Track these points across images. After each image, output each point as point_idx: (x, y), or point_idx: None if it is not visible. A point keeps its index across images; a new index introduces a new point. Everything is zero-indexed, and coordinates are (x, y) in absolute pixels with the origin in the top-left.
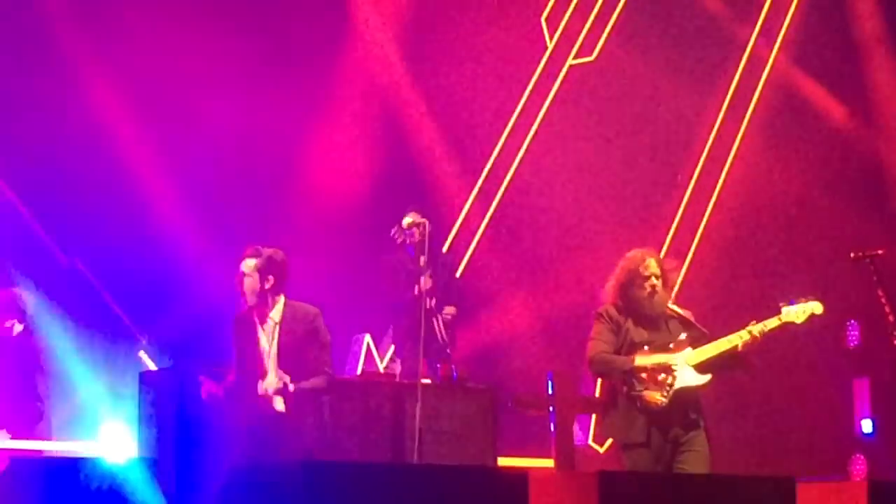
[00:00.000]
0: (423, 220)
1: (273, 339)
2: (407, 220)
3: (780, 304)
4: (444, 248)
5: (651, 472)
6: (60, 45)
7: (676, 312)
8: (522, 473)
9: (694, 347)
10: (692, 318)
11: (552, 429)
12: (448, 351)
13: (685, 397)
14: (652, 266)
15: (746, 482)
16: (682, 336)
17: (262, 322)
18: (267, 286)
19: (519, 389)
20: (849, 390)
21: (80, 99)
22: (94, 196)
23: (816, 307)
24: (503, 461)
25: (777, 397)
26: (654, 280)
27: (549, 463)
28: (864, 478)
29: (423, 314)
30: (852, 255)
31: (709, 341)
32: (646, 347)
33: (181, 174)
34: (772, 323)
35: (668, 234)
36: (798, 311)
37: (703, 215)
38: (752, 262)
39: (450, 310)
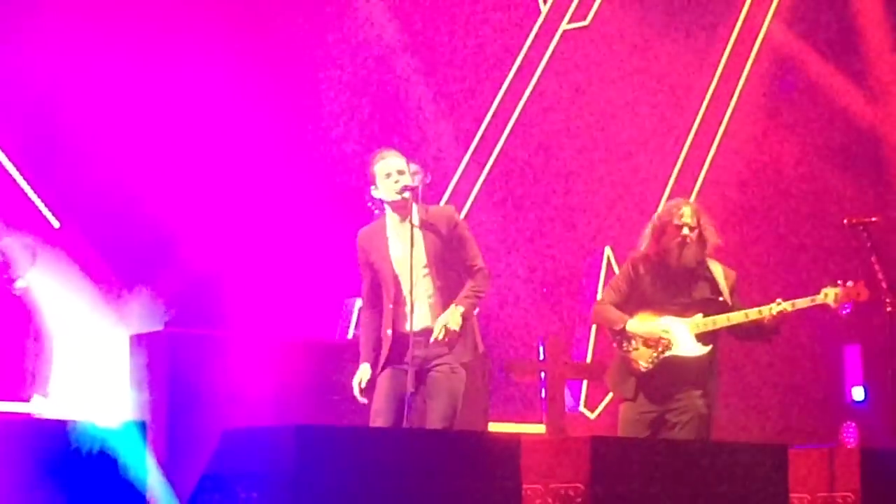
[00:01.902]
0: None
1: (415, 244)
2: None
3: (826, 286)
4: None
5: (643, 438)
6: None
7: (711, 274)
8: (514, 438)
9: (706, 315)
10: (732, 281)
11: (543, 394)
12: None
13: (679, 365)
14: (686, 216)
15: (739, 449)
16: (697, 298)
17: (399, 225)
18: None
19: (511, 355)
20: (840, 357)
21: (71, 54)
22: (86, 152)
23: (863, 293)
24: (494, 426)
25: (768, 364)
26: (686, 231)
27: (540, 428)
28: (856, 445)
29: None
30: (846, 221)
31: (726, 311)
32: (638, 317)
33: (177, 132)
34: (802, 303)
35: (661, 199)
36: (839, 294)
37: (697, 180)
38: (745, 228)
39: None
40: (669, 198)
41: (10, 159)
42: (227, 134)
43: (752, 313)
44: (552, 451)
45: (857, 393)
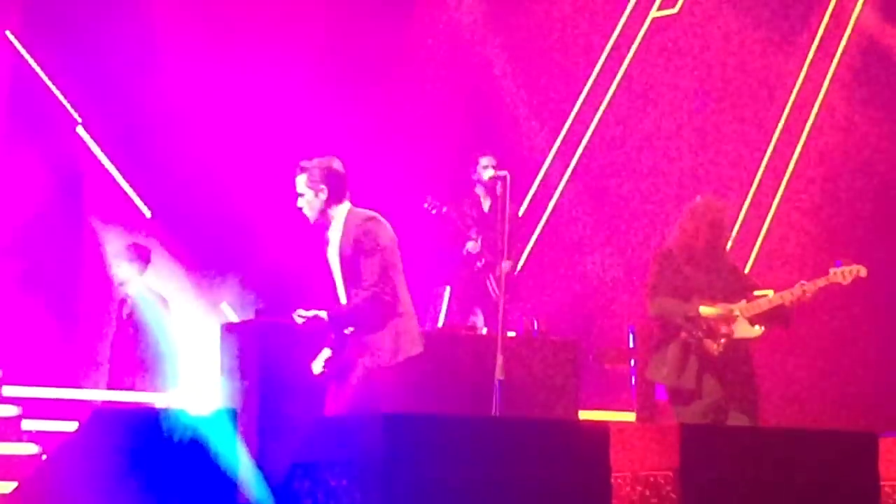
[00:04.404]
0: (504, 172)
1: (336, 260)
2: (488, 174)
3: (830, 267)
4: (525, 202)
5: (732, 426)
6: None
7: (732, 263)
8: (603, 427)
9: (748, 300)
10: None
11: (633, 382)
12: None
13: (739, 348)
14: (728, 218)
15: (828, 436)
16: (737, 287)
17: (327, 244)
18: (323, 197)
19: (602, 343)
20: None
21: (161, 46)
22: (175, 143)
23: (861, 270)
24: (585, 414)
25: (860, 351)
26: (728, 233)
27: (630, 417)
28: None
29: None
30: None
31: (756, 293)
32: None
33: (268, 124)
34: (821, 282)
35: (751, 187)
36: (845, 272)
37: (786, 169)
38: (836, 217)
39: (505, 266)
40: (760, 185)
41: (104, 153)
42: (320, 127)
43: (787, 294)
44: (642, 438)
45: None
